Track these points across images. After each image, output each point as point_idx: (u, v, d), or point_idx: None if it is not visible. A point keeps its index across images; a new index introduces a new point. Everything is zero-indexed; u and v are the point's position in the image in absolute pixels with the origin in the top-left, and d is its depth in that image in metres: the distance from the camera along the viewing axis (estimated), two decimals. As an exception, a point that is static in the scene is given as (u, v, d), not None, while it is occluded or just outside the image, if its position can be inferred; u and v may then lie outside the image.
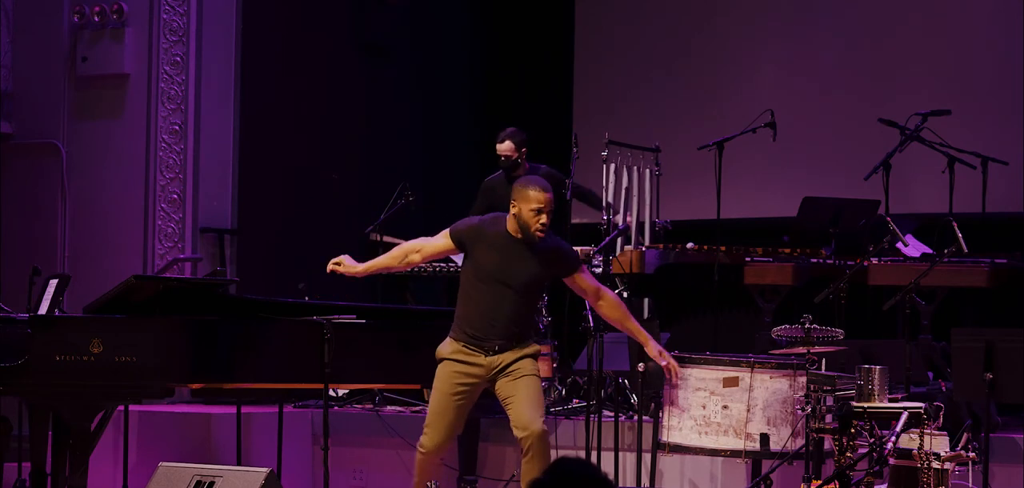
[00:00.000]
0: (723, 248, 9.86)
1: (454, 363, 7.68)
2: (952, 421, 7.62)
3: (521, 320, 7.69)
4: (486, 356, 7.64)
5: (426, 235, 7.94)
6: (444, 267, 10.03)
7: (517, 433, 7.60)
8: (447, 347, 7.72)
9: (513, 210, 7.65)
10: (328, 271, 7.95)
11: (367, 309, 8.52)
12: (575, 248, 9.29)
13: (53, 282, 8.33)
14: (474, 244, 7.71)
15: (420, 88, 12.88)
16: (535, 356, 7.72)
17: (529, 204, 7.61)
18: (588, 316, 8.69)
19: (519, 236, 7.63)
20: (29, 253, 10.66)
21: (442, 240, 7.80)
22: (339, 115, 12.18)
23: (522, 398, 7.60)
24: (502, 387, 7.66)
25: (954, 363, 7.99)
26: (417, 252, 7.87)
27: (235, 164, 11.26)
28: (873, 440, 6.80)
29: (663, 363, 7.73)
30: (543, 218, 7.60)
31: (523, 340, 7.69)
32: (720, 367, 7.86)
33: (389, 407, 10.00)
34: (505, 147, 9.91)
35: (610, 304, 7.76)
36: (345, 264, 7.92)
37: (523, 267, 7.64)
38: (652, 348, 7.75)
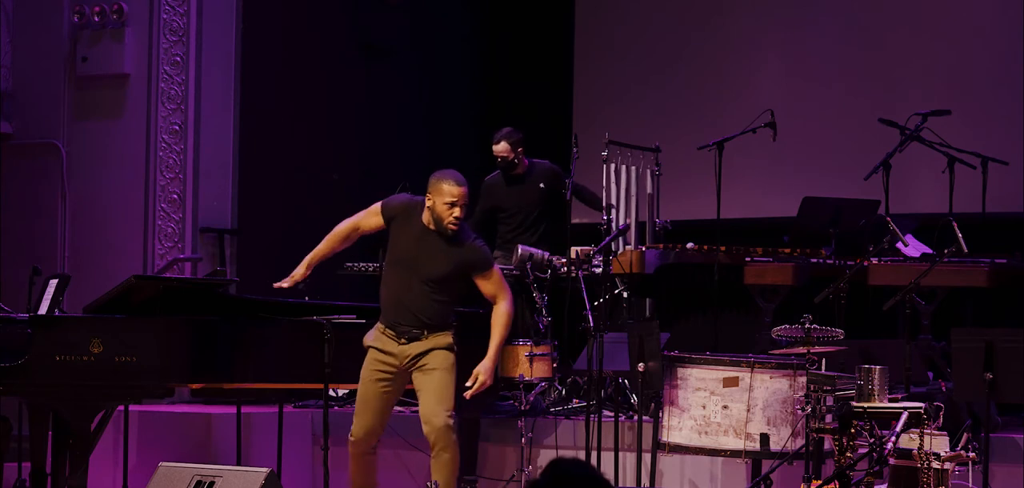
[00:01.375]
0: (723, 248, 9.86)
1: (376, 351, 7.86)
2: (952, 421, 7.62)
3: (431, 312, 7.78)
4: (397, 344, 7.77)
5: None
6: None
7: (423, 428, 7.76)
8: (371, 335, 7.90)
9: (428, 202, 7.76)
10: (275, 287, 8.04)
11: (367, 309, 8.51)
12: (575, 248, 9.32)
13: (53, 282, 8.33)
14: (398, 225, 7.83)
15: (420, 88, 12.88)
16: (449, 347, 7.80)
17: (443, 197, 7.73)
18: (588, 316, 8.69)
19: (433, 229, 7.75)
20: (29, 253, 10.66)
21: (374, 216, 7.93)
22: (339, 115, 12.18)
23: (427, 392, 7.75)
24: (415, 380, 7.82)
25: (954, 363, 7.99)
26: (355, 229, 8.00)
27: (235, 164, 11.26)
28: (873, 440, 6.80)
29: (478, 380, 7.76)
30: (456, 211, 7.71)
31: (435, 330, 7.77)
32: (720, 367, 7.86)
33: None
34: (501, 148, 9.92)
35: (495, 313, 7.86)
36: (290, 277, 8.03)
37: (432, 261, 7.75)
38: (484, 363, 7.78)
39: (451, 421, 7.72)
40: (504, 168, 9.92)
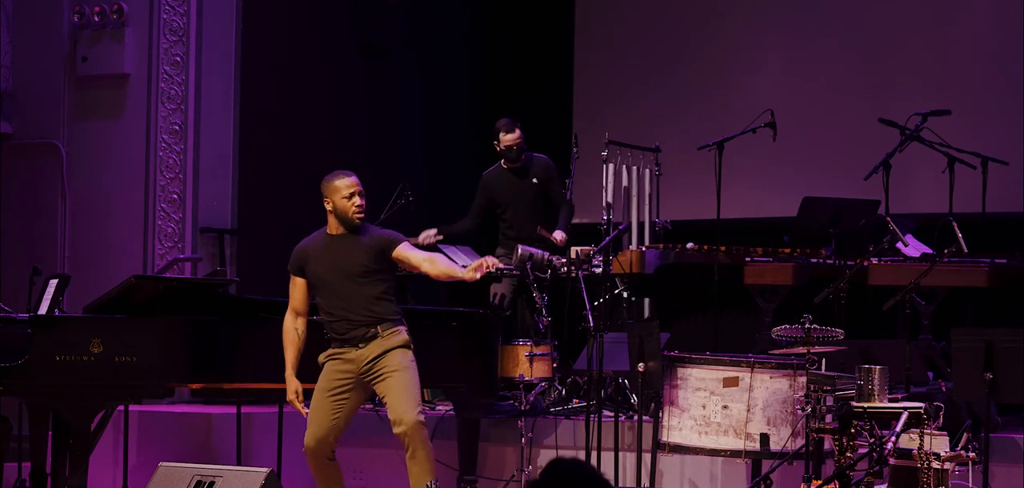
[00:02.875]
0: (723, 248, 9.86)
1: (331, 361, 7.86)
2: (952, 421, 7.62)
3: (370, 306, 7.79)
4: (355, 350, 7.77)
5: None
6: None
7: (395, 430, 7.75)
8: (324, 354, 7.91)
9: (327, 208, 7.94)
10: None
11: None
12: (575, 248, 9.32)
13: (53, 282, 8.33)
14: (305, 264, 7.92)
15: (420, 88, 12.88)
16: (405, 345, 7.81)
17: (340, 193, 7.92)
18: (588, 316, 8.69)
19: (340, 232, 7.87)
20: (29, 253, 10.67)
21: (295, 283, 7.96)
22: (339, 115, 12.18)
23: (394, 394, 7.75)
24: (379, 389, 7.84)
25: (954, 363, 7.99)
26: (298, 313, 7.95)
27: (235, 164, 11.26)
28: (873, 440, 6.80)
29: (476, 275, 7.74)
30: (357, 200, 7.88)
31: (384, 322, 7.78)
32: (720, 367, 7.86)
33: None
34: (516, 137, 9.91)
35: (434, 264, 7.90)
36: (296, 402, 7.92)
37: (348, 258, 7.81)
38: (460, 272, 7.84)
39: (422, 418, 7.73)
40: (512, 158, 9.90)
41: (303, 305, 7.96)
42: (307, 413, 7.85)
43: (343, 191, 7.89)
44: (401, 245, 7.90)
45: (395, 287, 7.96)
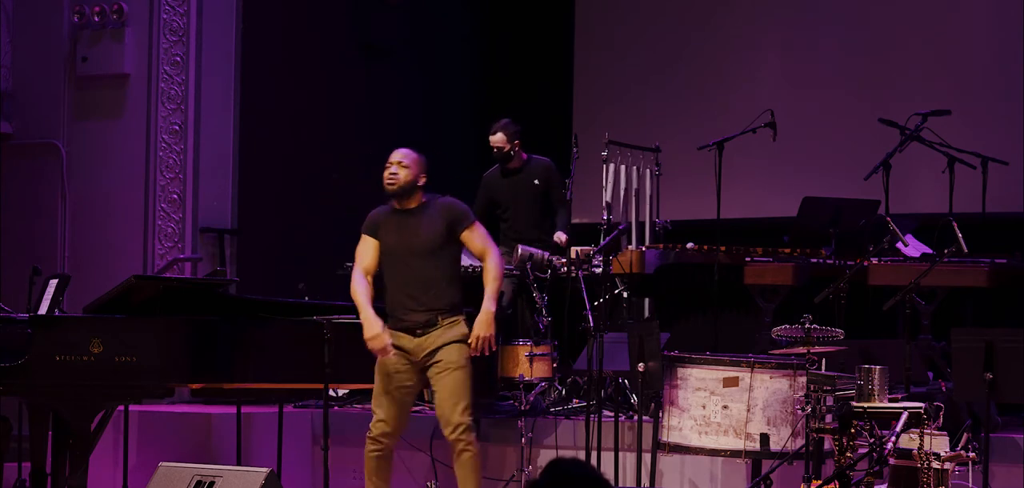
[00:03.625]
0: (723, 248, 9.86)
1: (393, 347, 7.83)
2: (952, 421, 7.61)
3: (433, 288, 7.77)
4: (413, 339, 7.77)
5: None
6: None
7: (443, 430, 7.77)
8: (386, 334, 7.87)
9: None
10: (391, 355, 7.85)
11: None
12: (575, 248, 9.32)
13: (53, 282, 8.33)
14: (379, 228, 7.91)
15: (420, 88, 12.88)
16: (463, 339, 7.78)
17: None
18: (588, 316, 8.68)
19: (400, 206, 7.88)
20: (29, 253, 10.66)
21: (363, 244, 7.96)
22: (339, 115, 12.18)
23: (443, 394, 7.75)
24: (433, 381, 7.82)
25: (954, 363, 7.99)
26: (367, 271, 7.93)
27: (235, 164, 11.26)
28: (873, 440, 6.80)
29: (478, 340, 7.72)
30: (387, 172, 7.89)
31: (445, 312, 7.77)
32: (720, 367, 7.86)
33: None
34: (497, 139, 9.92)
35: (485, 269, 7.86)
36: (375, 344, 7.83)
37: (415, 231, 7.82)
38: (480, 318, 7.75)
39: (469, 419, 7.71)
40: (500, 160, 9.91)
41: (374, 264, 7.92)
42: (392, 350, 7.78)
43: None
44: (473, 225, 7.88)
45: (457, 273, 7.90)
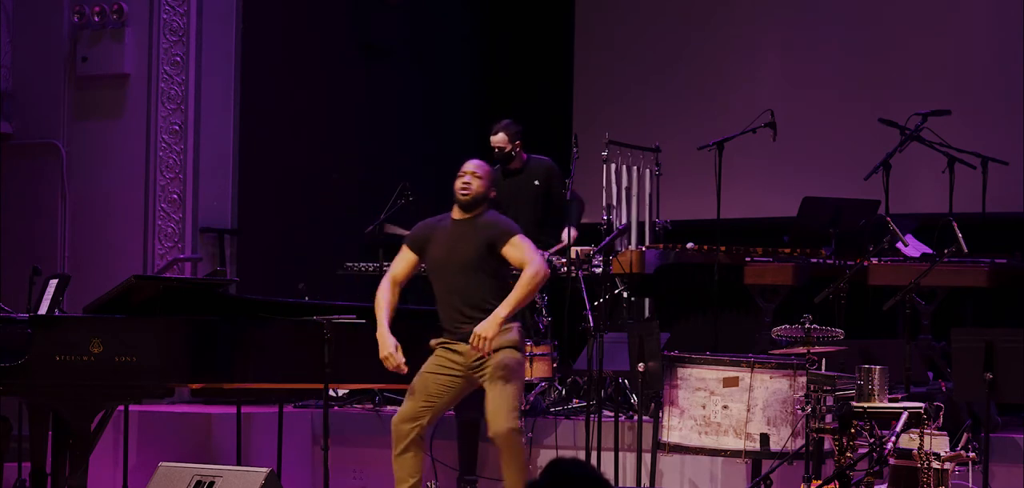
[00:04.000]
0: (723, 248, 9.86)
1: (441, 348, 7.80)
2: (952, 421, 7.61)
3: (478, 298, 7.72)
4: (464, 344, 7.70)
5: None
6: None
7: (489, 433, 7.71)
8: (436, 340, 7.85)
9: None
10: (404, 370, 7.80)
11: (367, 309, 8.51)
12: (575, 248, 9.32)
13: (53, 282, 8.33)
14: (426, 243, 7.87)
15: (420, 88, 12.88)
16: (516, 346, 7.72)
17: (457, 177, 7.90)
18: (588, 316, 8.69)
19: (460, 216, 7.83)
20: (29, 253, 10.66)
21: (401, 255, 7.93)
22: (339, 115, 12.18)
23: (493, 398, 7.68)
24: (482, 384, 7.75)
25: (954, 363, 7.99)
26: (396, 281, 7.90)
27: (235, 164, 11.26)
28: (873, 440, 6.80)
29: (479, 339, 7.64)
30: (460, 181, 7.85)
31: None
32: (720, 367, 7.86)
33: (389, 407, 9.99)
34: (499, 139, 9.91)
35: (534, 275, 7.72)
36: (384, 353, 7.77)
37: (463, 244, 7.77)
38: (485, 322, 7.64)
39: (518, 425, 7.64)
40: (501, 160, 9.91)
41: (404, 276, 7.91)
42: (406, 367, 7.73)
43: (459, 174, 7.90)
44: (514, 238, 7.80)
45: (505, 285, 7.82)
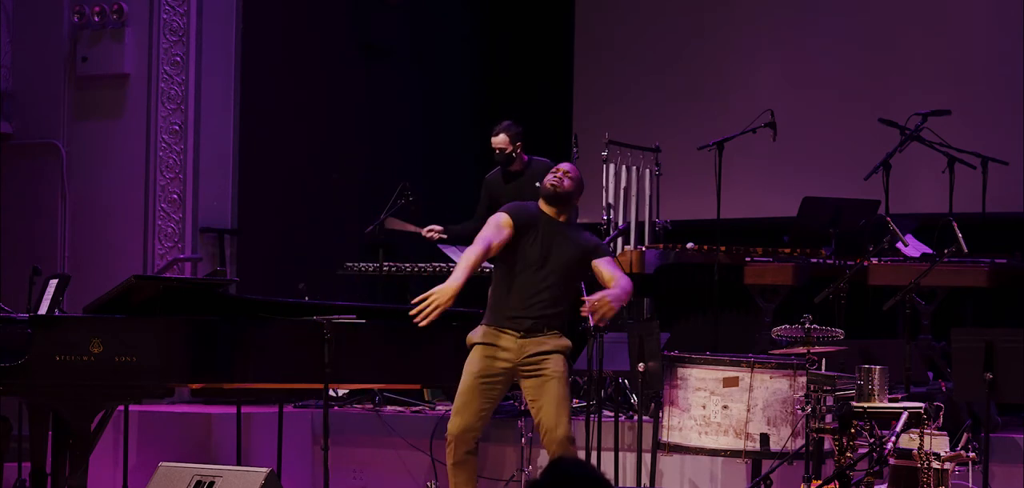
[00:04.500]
0: (723, 248, 9.86)
1: (484, 347, 7.66)
2: (952, 421, 7.62)
3: (555, 306, 7.66)
4: (518, 337, 7.59)
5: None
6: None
7: (542, 437, 7.60)
8: (478, 333, 7.72)
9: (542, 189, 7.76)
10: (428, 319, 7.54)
11: (367, 309, 8.52)
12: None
13: (53, 282, 8.33)
14: (526, 229, 7.67)
15: (420, 88, 12.88)
16: (565, 352, 7.67)
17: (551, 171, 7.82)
18: (588, 316, 8.68)
19: (552, 214, 7.70)
20: (29, 253, 10.66)
21: (506, 227, 7.65)
22: (339, 115, 12.18)
23: (547, 401, 7.56)
24: (529, 387, 7.64)
25: (954, 363, 7.99)
26: (486, 250, 7.61)
27: (235, 164, 11.26)
28: (873, 440, 6.80)
29: (602, 303, 7.53)
30: (557, 173, 7.73)
31: (555, 329, 7.65)
32: (720, 367, 7.86)
33: (389, 407, 10.00)
34: (499, 140, 9.91)
35: (623, 286, 7.65)
36: (438, 295, 7.46)
37: (563, 247, 7.65)
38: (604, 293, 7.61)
39: (571, 434, 7.57)
40: (502, 162, 9.91)
41: (498, 249, 7.63)
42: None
43: (554, 169, 7.81)
44: (607, 258, 7.74)
45: (574, 299, 7.74)
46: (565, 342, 7.69)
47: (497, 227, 7.68)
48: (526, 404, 8.99)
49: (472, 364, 7.67)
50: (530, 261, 7.65)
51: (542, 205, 7.75)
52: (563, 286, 7.71)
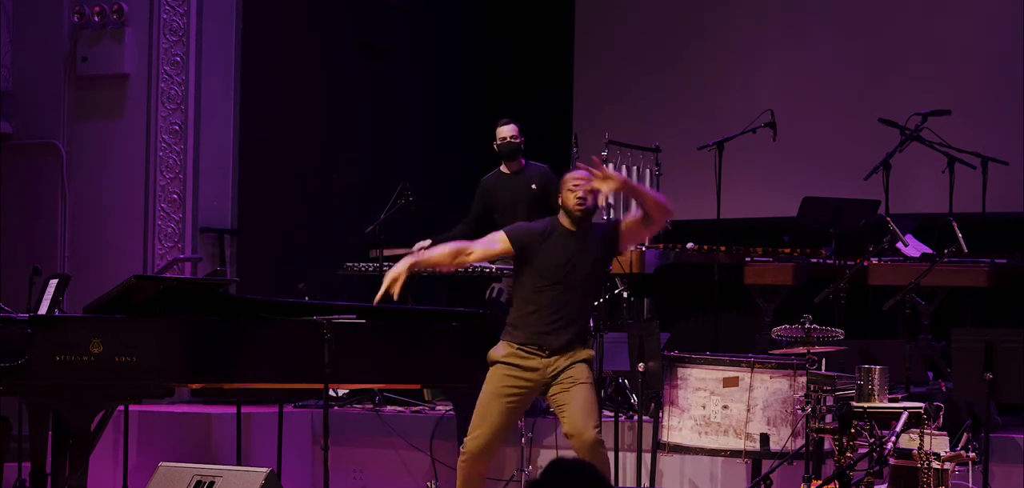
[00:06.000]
0: (723, 248, 9.86)
1: (507, 366, 7.54)
2: (952, 421, 7.62)
3: (583, 320, 7.62)
4: (544, 357, 7.49)
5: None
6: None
7: (571, 441, 7.51)
8: (501, 350, 7.58)
9: (560, 202, 7.60)
10: (379, 299, 7.55)
11: (367, 309, 8.51)
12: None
13: (53, 282, 8.33)
14: (534, 254, 7.54)
15: (420, 88, 12.88)
16: (589, 362, 7.58)
17: (566, 186, 7.59)
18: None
19: (574, 229, 7.56)
20: (29, 253, 10.66)
21: (499, 244, 7.61)
22: (339, 115, 12.18)
23: (575, 405, 7.46)
24: (555, 395, 7.53)
25: (954, 363, 7.99)
26: (468, 254, 7.62)
27: (235, 164, 11.26)
28: (873, 440, 6.80)
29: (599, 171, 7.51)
30: (577, 192, 7.52)
31: (582, 339, 7.59)
32: (720, 367, 7.86)
33: (389, 407, 10.00)
34: (508, 130, 9.87)
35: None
36: (395, 273, 7.49)
37: (585, 257, 7.54)
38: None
39: (599, 436, 7.45)
40: (508, 153, 9.87)
41: (484, 259, 7.72)
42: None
43: (568, 184, 7.56)
44: (621, 223, 7.68)
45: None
46: (589, 351, 7.61)
47: (490, 240, 7.66)
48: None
49: (493, 383, 7.54)
50: (554, 277, 7.50)
51: (563, 220, 7.58)
52: (591, 292, 7.68)
